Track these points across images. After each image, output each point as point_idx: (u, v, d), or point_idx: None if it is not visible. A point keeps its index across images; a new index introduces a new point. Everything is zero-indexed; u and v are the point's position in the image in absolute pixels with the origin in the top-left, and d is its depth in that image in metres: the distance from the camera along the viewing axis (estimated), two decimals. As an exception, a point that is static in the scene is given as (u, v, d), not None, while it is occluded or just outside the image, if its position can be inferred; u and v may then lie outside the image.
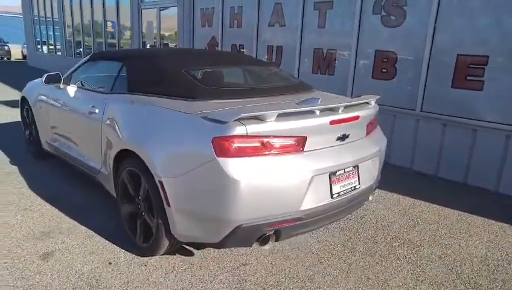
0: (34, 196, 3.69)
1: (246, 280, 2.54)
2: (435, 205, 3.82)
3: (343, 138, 2.56)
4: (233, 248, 2.84)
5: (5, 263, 2.61)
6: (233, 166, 2.16)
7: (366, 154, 2.75)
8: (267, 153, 2.24)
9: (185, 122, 2.43)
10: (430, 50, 4.66)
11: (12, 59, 24.58)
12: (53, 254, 2.73)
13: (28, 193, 3.74)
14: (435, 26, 4.58)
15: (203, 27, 8.26)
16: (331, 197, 2.49)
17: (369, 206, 3.69)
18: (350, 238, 3.12)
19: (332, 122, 2.44)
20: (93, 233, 3.03)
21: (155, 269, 2.61)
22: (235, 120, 2.15)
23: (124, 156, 2.79)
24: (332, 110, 2.50)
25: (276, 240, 2.42)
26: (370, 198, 3.12)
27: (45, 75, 3.83)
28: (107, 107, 3.09)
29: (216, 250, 2.82)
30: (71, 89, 3.65)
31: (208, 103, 2.60)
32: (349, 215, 3.39)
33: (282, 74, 3.67)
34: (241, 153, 2.19)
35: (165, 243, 2.58)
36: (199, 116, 2.33)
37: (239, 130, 2.15)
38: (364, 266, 2.73)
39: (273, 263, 2.74)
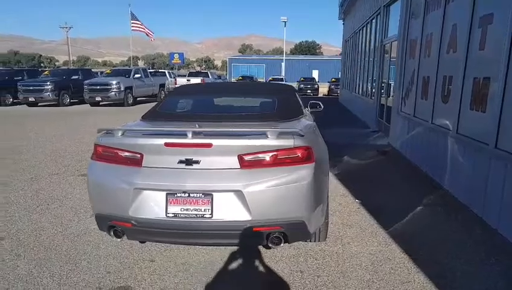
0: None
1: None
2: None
3: (188, 162, 2.56)
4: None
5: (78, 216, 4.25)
6: (90, 167, 2.91)
7: (224, 185, 2.59)
8: (112, 161, 2.78)
9: None
10: None
11: (319, 95, 28.95)
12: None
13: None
14: None
15: (410, 59, 7.64)
16: (166, 215, 2.61)
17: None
18: None
19: (167, 145, 2.56)
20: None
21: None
22: (103, 132, 2.81)
23: None
24: (182, 135, 2.57)
25: (121, 236, 2.83)
26: (275, 246, 2.71)
27: None
28: None
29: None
30: None
31: (153, 123, 3.29)
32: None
33: (270, 104, 3.69)
34: (97, 158, 2.88)
35: None
36: None
37: (97, 140, 2.81)
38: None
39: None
